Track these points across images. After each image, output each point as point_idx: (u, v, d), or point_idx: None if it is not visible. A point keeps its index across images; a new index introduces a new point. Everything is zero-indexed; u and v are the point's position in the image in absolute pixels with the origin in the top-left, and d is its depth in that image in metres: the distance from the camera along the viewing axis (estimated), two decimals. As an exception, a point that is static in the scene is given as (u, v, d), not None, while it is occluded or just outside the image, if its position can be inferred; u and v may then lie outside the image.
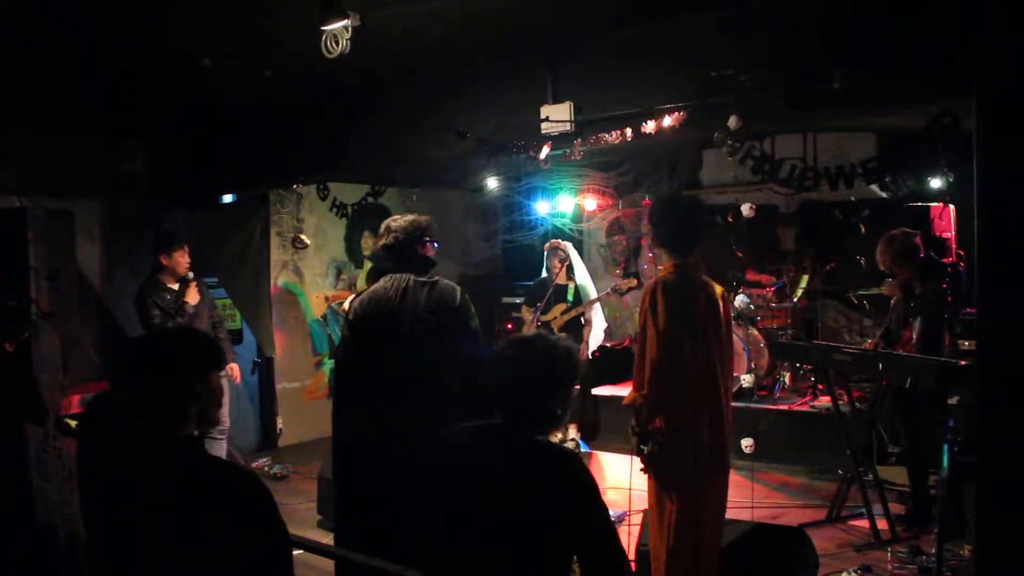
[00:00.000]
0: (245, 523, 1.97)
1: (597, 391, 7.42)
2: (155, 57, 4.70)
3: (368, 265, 8.54)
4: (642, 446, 3.32)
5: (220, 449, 5.82)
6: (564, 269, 6.88)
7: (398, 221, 3.84)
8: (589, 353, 7.15)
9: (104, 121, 6.29)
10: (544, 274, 7.18)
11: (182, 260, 5.81)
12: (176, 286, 5.78)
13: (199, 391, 2.09)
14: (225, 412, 5.70)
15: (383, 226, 3.86)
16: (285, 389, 7.72)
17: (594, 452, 7.07)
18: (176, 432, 2.05)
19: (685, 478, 3.34)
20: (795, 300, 7.44)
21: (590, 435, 7.34)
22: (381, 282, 3.78)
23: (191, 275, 5.84)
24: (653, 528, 3.43)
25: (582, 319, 6.98)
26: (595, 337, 7.13)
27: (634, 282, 6.75)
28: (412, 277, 3.72)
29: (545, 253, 7.17)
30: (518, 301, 8.33)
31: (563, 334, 6.68)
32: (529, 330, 6.82)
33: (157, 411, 2.05)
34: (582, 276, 7.06)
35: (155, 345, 2.17)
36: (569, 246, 7.10)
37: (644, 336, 3.37)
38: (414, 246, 3.78)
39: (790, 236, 8.10)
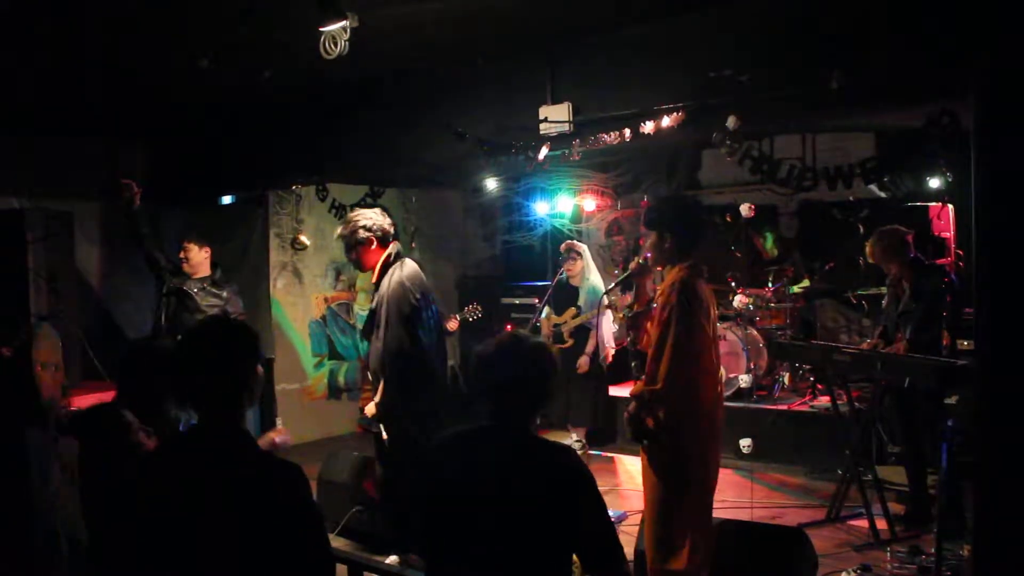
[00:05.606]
0: (290, 514, 1.97)
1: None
2: (155, 58, 4.70)
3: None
4: (643, 437, 3.35)
5: None
6: (579, 271, 6.85)
7: None
8: (609, 357, 6.96)
9: (104, 122, 6.29)
10: (562, 276, 6.95)
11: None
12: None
13: (251, 382, 2.09)
14: None
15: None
16: (285, 390, 7.70)
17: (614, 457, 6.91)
18: (230, 425, 2.04)
19: (692, 476, 3.38)
20: (794, 299, 7.43)
21: (607, 439, 7.13)
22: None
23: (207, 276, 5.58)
24: (659, 526, 3.43)
25: (589, 325, 6.87)
26: (609, 343, 7.03)
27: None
28: None
29: (561, 255, 7.04)
30: (517, 302, 8.30)
31: (571, 340, 6.68)
32: (545, 332, 6.79)
33: (215, 405, 2.03)
34: (595, 279, 6.97)
35: (212, 341, 2.11)
36: (584, 248, 7.04)
37: (664, 331, 3.37)
38: None
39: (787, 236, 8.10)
